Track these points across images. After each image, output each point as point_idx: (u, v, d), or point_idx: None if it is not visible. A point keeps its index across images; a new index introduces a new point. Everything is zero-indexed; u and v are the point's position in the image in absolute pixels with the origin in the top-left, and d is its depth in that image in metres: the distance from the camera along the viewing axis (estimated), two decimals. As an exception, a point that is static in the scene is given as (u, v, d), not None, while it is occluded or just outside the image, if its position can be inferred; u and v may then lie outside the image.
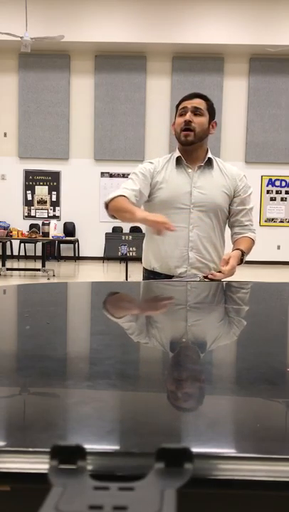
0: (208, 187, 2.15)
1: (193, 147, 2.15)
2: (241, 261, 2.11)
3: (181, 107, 2.14)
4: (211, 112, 2.16)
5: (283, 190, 11.89)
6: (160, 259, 2.17)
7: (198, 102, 2.12)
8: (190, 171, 2.17)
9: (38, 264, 9.65)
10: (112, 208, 2.09)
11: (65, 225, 11.75)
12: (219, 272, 2.03)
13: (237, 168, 2.29)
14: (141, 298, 1.74)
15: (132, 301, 1.65)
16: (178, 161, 2.18)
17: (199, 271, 2.14)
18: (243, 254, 2.12)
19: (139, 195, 2.11)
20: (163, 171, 2.17)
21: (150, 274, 2.22)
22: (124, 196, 2.07)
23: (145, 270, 2.27)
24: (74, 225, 11.84)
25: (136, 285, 2.09)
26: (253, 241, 2.24)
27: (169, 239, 2.09)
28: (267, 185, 11.82)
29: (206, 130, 2.15)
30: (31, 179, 11.88)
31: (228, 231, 2.26)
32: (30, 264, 10.29)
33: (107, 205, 2.11)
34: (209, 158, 2.19)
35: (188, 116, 2.10)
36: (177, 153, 2.19)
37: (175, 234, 2.09)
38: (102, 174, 11.82)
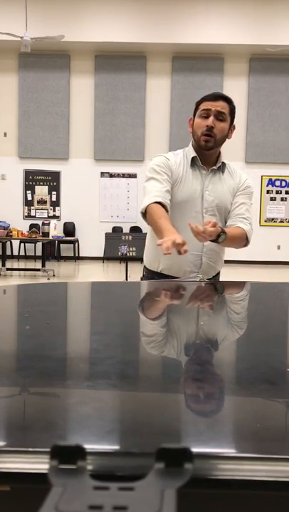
0: (218, 190, 2.12)
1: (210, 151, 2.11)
2: (217, 239, 1.91)
3: (204, 107, 2.04)
4: (232, 116, 2.09)
5: (283, 190, 11.89)
6: (172, 262, 2.10)
7: (222, 106, 2.03)
8: (204, 172, 2.13)
9: (38, 264, 9.65)
10: (148, 218, 2.00)
11: (65, 225, 11.74)
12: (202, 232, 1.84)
13: (238, 168, 2.27)
14: (141, 298, 1.74)
15: (132, 302, 1.65)
16: (192, 161, 2.12)
17: (206, 275, 2.13)
18: (223, 232, 1.92)
19: (169, 195, 2.04)
20: (179, 170, 2.10)
21: (154, 275, 2.17)
22: (158, 203, 1.98)
23: (148, 270, 2.22)
24: (74, 225, 11.84)
25: (136, 285, 2.09)
26: (242, 230, 2.09)
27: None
28: (267, 185, 11.81)
29: (226, 136, 2.10)
30: (31, 179, 11.87)
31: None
32: (30, 264, 10.29)
33: (144, 214, 2.03)
34: (223, 163, 2.16)
35: (212, 121, 2.02)
36: (192, 153, 2.12)
37: (190, 238, 2.08)
38: (102, 174, 11.82)
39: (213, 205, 2.11)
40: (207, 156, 2.13)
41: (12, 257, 11.16)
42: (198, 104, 2.09)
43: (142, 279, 2.31)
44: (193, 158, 2.12)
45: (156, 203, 1.98)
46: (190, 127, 2.14)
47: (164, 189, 2.02)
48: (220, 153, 2.18)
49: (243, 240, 2.11)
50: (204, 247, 2.08)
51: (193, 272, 2.10)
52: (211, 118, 2.03)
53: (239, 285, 1.99)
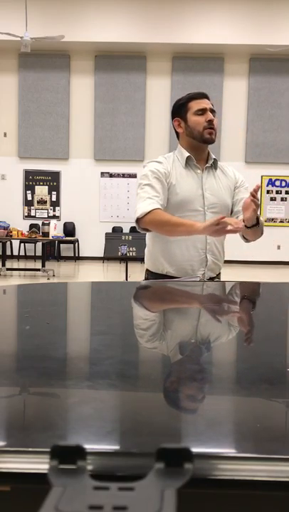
0: (216, 188, 2.16)
1: (204, 147, 2.16)
2: (257, 222, 2.00)
3: (198, 107, 2.11)
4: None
5: (283, 190, 11.88)
6: (177, 263, 2.11)
7: (210, 103, 2.14)
8: (199, 171, 2.15)
9: (38, 264, 9.65)
10: (150, 221, 2.01)
11: (65, 225, 11.74)
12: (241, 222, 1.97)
13: (236, 168, 2.34)
14: (141, 298, 1.74)
15: (133, 302, 1.65)
16: (186, 161, 2.15)
17: (213, 272, 2.15)
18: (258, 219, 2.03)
19: (164, 203, 2.07)
20: (173, 172, 2.12)
21: (158, 278, 2.15)
22: (160, 209, 2.01)
23: (151, 273, 2.19)
24: (74, 225, 11.83)
25: (136, 285, 2.09)
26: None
27: (187, 242, 2.08)
28: (267, 185, 11.81)
29: None
30: (31, 179, 11.87)
31: None
32: (30, 264, 10.29)
33: (138, 220, 2.03)
34: (215, 159, 2.21)
35: (211, 116, 2.11)
36: (186, 153, 2.15)
37: (193, 237, 2.07)
38: (102, 174, 11.82)
39: (214, 203, 2.13)
40: (202, 154, 2.17)
41: (12, 257, 11.16)
42: (183, 104, 2.16)
43: None
44: (187, 158, 2.14)
45: (157, 209, 2.01)
46: (179, 128, 2.19)
47: (160, 199, 2.05)
48: (209, 150, 2.23)
49: (262, 231, 2.15)
50: (208, 245, 2.12)
51: (200, 271, 2.12)
52: (209, 113, 2.11)
53: (239, 285, 1.99)
